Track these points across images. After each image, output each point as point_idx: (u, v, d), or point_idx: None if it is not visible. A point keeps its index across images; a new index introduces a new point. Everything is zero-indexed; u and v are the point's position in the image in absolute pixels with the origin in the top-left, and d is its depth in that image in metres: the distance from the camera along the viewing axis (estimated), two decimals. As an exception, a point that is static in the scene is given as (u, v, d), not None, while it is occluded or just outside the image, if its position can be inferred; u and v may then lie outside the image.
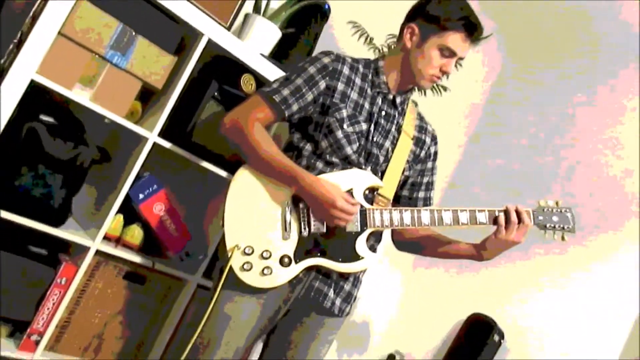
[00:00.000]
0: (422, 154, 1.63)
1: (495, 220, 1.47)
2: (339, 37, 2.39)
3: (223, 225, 1.43)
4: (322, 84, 1.47)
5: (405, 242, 1.66)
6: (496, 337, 2.62)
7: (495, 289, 2.78)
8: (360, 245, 1.45)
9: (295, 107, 1.47)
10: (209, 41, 1.76)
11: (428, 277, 3.07)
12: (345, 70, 1.50)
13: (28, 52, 1.47)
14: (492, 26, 2.97)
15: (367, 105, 1.51)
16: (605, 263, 2.51)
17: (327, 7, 2.19)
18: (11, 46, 1.55)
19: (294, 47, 2.12)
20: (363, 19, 2.31)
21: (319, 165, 1.47)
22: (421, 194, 1.66)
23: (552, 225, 1.51)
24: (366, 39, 2.30)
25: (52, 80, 1.54)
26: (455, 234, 1.58)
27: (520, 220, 1.46)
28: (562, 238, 1.51)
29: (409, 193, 1.65)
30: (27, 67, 1.47)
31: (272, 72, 1.93)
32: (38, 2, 1.55)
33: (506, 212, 1.47)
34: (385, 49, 2.32)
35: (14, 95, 1.47)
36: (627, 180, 2.59)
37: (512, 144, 3.06)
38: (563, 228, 1.51)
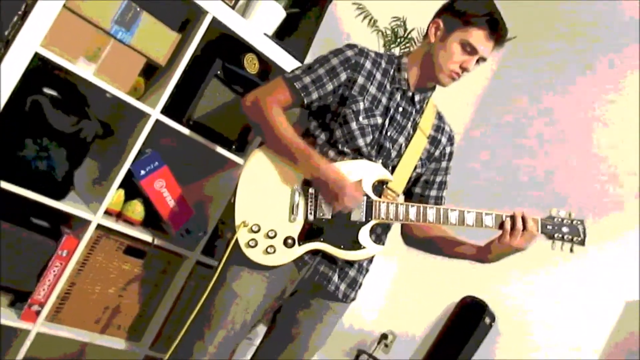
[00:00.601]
0: (437, 153, 1.64)
1: (501, 225, 1.45)
2: (343, 18, 2.39)
3: (234, 201, 1.48)
4: (343, 76, 1.51)
5: (413, 238, 1.66)
6: (487, 320, 2.67)
7: (488, 272, 2.79)
8: (363, 235, 1.47)
9: (314, 96, 1.51)
10: (213, 19, 1.75)
11: (422, 259, 3.08)
12: (367, 65, 1.53)
13: (32, 25, 1.46)
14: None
15: (384, 100, 1.54)
16: (595, 246, 2.55)
17: (332, -13, 2.18)
18: (15, 18, 1.54)
19: (299, 27, 2.12)
20: (368, 1, 2.31)
21: (331, 154, 1.51)
22: (433, 192, 1.66)
23: (561, 235, 1.47)
24: (370, 20, 2.30)
25: (56, 53, 1.54)
26: (457, 230, 1.58)
27: (525, 227, 1.43)
28: (571, 250, 1.47)
29: (422, 190, 1.66)
30: (31, 40, 1.47)
31: (276, 52, 1.94)
32: (43, -26, 1.54)
33: (512, 218, 1.44)
34: (389, 32, 2.32)
35: (18, 68, 1.47)
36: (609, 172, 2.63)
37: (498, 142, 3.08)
38: (572, 240, 1.47)
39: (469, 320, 2.69)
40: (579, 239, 1.47)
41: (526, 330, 2.62)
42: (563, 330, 2.52)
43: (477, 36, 1.47)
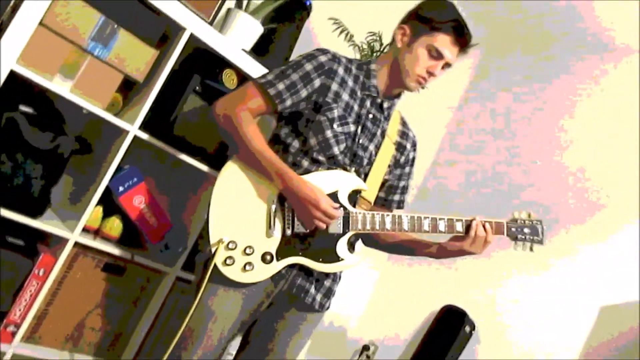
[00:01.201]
0: (402, 159, 1.67)
1: (467, 230, 1.52)
2: (320, 33, 2.42)
3: (208, 218, 1.44)
4: (317, 82, 1.49)
5: (378, 243, 1.69)
6: (467, 328, 2.70)
7: (467, 282, 2.87)
8: (341, 247, 1.48)
9: (288, 102, 1.48)
10: (191, 35, 1.77)
11: (402, 270, 3.14)
12: (340, 71, 1.52)
13: (8, 42, 1.46)
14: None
15: (356, 107, 1.54)
16: (569, 254, 2.62)
17: (308, 3, 2.21)
18: (-9, 35, 1.53)
19: (275, 43, 2.14)
20: (344, 16, 2.34)
21: (305, 163, 1.49)
22: (396, 197, 1.70)
23: (523, 236, 1.57)
24: (346, 35, 2.33)
25: (32, 70, 1.53)
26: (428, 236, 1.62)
27: (485, 233, 1.51)
28: (531, 249, 1.57)
29: (385, 195, 1.69)
30: (6, 58, 1.46)
31: (254, 67, 1.95)
32: (19, -9, 1.54)
33: (476, 224, 1.51)
34: (365, 46, 2.36)
35: (-7, 85, 1.46)
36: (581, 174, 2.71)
37: (483, 146, 3.15)
38: (532, 239, 1.57)
39: (449, 329, 2.71)
40: (538, 238, 1.57)
41: (506, 337, 2.66)
42: (541, 337, 2.57)
43: (443, 41, 1.50)
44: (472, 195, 3.01)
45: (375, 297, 3.22)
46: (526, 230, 1.57)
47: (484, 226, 1.51)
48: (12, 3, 1.53)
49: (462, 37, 1.51)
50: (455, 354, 2.71)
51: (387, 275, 3.21)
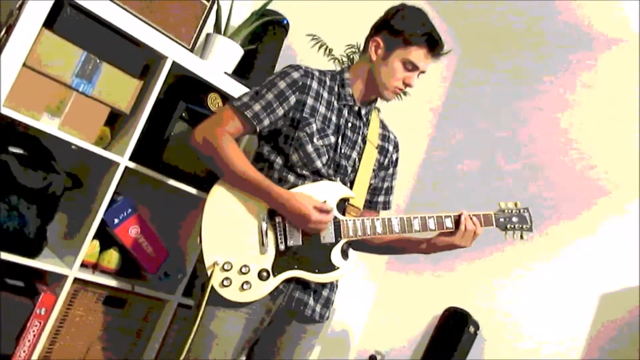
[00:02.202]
0: (386, 161, 1.71)
1: (456, 225, 1.56)
2: (299, 50, 2.46)
3: (201, 241, 1.45)
4: (292, 99, 1.52)
5: (369, 246, 1.71)
6: (472, 329, 2.71)
7: (467, 283, 2.89)
8: (336, 255, 1.50)
9: (266, 122, 1.50)
10: (173, 63, 1.79)
11: (400, 277, 3.15)
12: (314, 85, 1.55)
13: (-7, 86, 1.47)
14: (448, 30, 3.10)
15: (334, 118, 1.57)
16: (568, 247, 2.65)
17: (285, 21, 2.25)
18: (-25, 81, 1.54)
19: (257, 63, 2.18)
20: (321, 31, 2.38)
21: (291, 178, 1.51)
22: (381, 198, 1.74)
23: (512, 225, 1.62)
24: (325, 49, 2.37)
25: (19, 112, 1.54)
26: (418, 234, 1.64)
27: (473, 227, 1.55)
28: (521, 237, 1.62)
29: (370, 197, 1.72)
30: (-7, 101, 1.48)
31: (237, 90, 1.98)
32: (0, 35, 1.55)
33: (462, 218, 1.55)
34: (345, 59, 2.39)
35: (-19, 130, 1.47)
36: (584, 168, 2.75)
37: (471, 144, 3.19)
38: (522, 228, 1.62)
39: (453, 331, 2.72)
40: (527, 226, 1.63)
41: (511, 333, 2.68)
42: (545, 328, 2.59)
43: (417, 55, 1.54)
44: (467, 190, 3.05)
45: (377, 307, 3.23)
46: (514, 219, 1.61)
47: (472, 219, 1.55)
48: (-6, 47, 1.55)
49: (435, 49, 1.56)
50: (462, 356, 2.72)
51: (386, 284, 3.22)
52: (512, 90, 3.13)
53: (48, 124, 1.62)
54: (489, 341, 2.73)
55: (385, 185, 1.74)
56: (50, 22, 1.56)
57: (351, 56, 2.39)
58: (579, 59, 2.93)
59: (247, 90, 1.97)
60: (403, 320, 3.06)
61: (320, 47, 2.36)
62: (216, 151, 1.46)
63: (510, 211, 1.62)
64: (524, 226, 1.62)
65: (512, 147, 3.01)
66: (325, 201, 1.48)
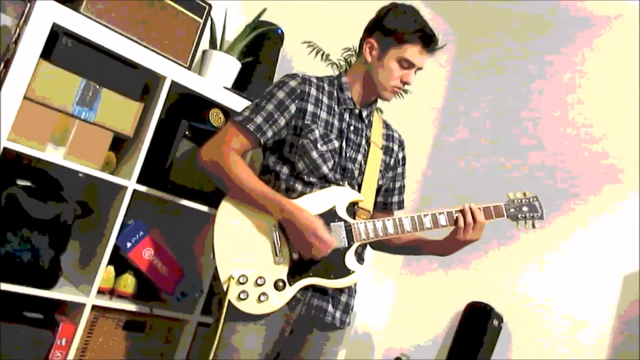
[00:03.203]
0: (392, 161, 1.70)
1: (455, 222, 1.54)
2: (297, 58, 2.46)
3: (214, 257, 1.45)
4: (293, 107, 1.51)
5: (387, 246, 1.70)
6: (495, 322, 2.68)
7: (486, 275, 2.85)
8: (350, 259, 1.48)
9: (270, 133, 1.50)
10: (172, 82, 1.80)
11: (418, 275, 3.13)
12: (313, 91, 1.55)
13: (-4, 121, 1.48)
14: (444, 25, 3.10)
15: (336, 123, 1.56)
16: (586, 229, 2.61)
17: (280, 31, 2.25)
18: (-22, 118, 1.55)
19: (255, 75, 2.18)
20: (317, 38, 2.38)
21: (298, 187, 1.51)
22: (395, 199, 1.74)
23: (523, 215, 1.60)
24: (322, 55, 2.37)
25: (23, 144, 1.55)
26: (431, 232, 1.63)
27: (475, 220, 1.53)
28: (533, 226, 1.60)
29: (384, 199, 1.72)
30: (-3, 136, 1.48)
31: (238, 103, 1.98)
32: (0, 70, 1.56)
33: (462, 212, 1.53)
34: (343, 63, 2.39)
35: (-12, 166, 1.47)
36: (598, 147, 2.72)
37: (477, 139, 3.17)
38: (533, 216, 1.60)
39: (477, 326, 2.69)
40: (538, 214, 1.61)
41: (537, 323, 2.63)
42: (570, 313, 2.54)
43: (412, 52, 1.53)
44: (478, 184, 3.02)
45: (397, 307, 3.20)
46: (524, 208, 1.60)
47: (472, 211, 1.53)
48: (-6, 83, 1.56)
49: (430, 44, 1.55)
50: (489, 350, 2.68)
51: (404, 283, 3.20)
52: (514, 79, 3.11)
53: (53, 154, 1.62)
54: (515, 332, 2.69)
55: (397, 184, 1.74)
56: (47, 53, 1.57)
57: (348, 59, 2.39)
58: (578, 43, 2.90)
59: (248, 103, 1.98)
60: (425, 318, 3.03)
61: (317, 54, 2.36)
62: (223, 170, 1.46)
63: (519, 201, 1.60)
64: (535, 215, 1.60)
65: (520, 135, 2.99)
66: (333, 207, 1.48)
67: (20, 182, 1.58)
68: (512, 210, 1.59)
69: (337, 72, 2.40)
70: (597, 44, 2.85)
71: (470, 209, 1.53)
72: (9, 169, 1.59)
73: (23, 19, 1.57)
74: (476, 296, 2.79)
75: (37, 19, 1.51)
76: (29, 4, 1.56)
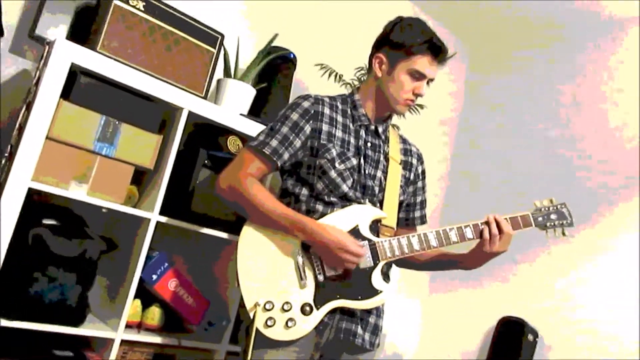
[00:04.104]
0: (412, 176, 1.68)
1: (480, 234, 1.50)
2: (310, 80, 2.47)
3: (239, 285, 1.43)
4: (307, 128, 1.51)
5: (413, 264, 1.68)
6: (530, 337, 2.59)
7: (515, 289, 2.78)
8: (376, 279, 1.46)
9: (286, 156, 1.50)
10: (189, 112, 1.81)
11: (445, 294, 3.06)
12: (326, 111, 1.55)
13: (20, 163, 1.50)
14: (452, 37, 3.09)
15: (352, 140, 1.55)
16: (615, 239, 2.53)
17: (292, 55, 2.27)
18: (3, 161, 1.58)
19: (270, 100, 2.19)
20: (329, 59, 2.39)
21: (319, 207, 1.49)
22: (417, 213, 1.72)
23: (552, 223, 1.56)
24: (336, 76, 2.37)
25: (47, 183, 1.57)
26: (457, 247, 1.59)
27: (500, 230, 1.49)
28: (563, 233, 1.56)
29: (405, 214, 1.70)
30: (22, 177, 1.51)
31: (255, 129, 1.98)
32: (22, 113, 1.60)
33: (487, 224, 1.50)
34: (356, 82, 2.39)
35: (14, 207, 1.50)
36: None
37: (493, 148, 3.13)
38: (562, 224, 1.56)
39: (511, 341, 2.61)
40: (568, 221, 1.57)
41: (573, 334, 2.54)
42: (607, 323, 2.45)
43: (422, 63, 1.52)
44: (501, 195, 2.97)
45: (426, 326, 3.14)
46: (553, 216, 1.56)
47: (497, 222, 1.49)
48: (17, 126, 1.59)
49: (439, 54, 1.54)
50: (525, 366, 2.60)
51: (432, 301, 3.14)
52: (528, 88, 3.08)
53: (77, 191, 1.64)
54: (553, 346, 2.60)
55: (418, 199, 1.71)
56: (66, 93, 1.60)
57: (362, 78, 2.39)
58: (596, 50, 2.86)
59: (264, 127, 1.99)
60: (456, 336, 2.95)
61: (330, 75, 2.37)
62: (242, 195, 1.46)
63: (547, 209, 1.57)
64: (565, 222, 1.56)
65: (540, 142, 2.94)
66: (356, 226, 1.47)
67: (46, 221, 1.60)
68: (539, 218, 1.56)
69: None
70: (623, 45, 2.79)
71: (496, 219, 1.50)
72: (35, 209, 1.61)
73: (42, 61, 1.60)
74: (507, 311, 2.72)
75: (56, 60, 1.55)
76: (47, 47, 1.60)
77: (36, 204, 1.63)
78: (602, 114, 2.75)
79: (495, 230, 1.49)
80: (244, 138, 2.01)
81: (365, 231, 1.48)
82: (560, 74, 2.96)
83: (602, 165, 2.66)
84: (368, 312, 1.53)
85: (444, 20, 3.06)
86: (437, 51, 1.53)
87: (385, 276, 1.54)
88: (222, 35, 1.98)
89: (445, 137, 3.34)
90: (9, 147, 1.58)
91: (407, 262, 1.65)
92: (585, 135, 2.78)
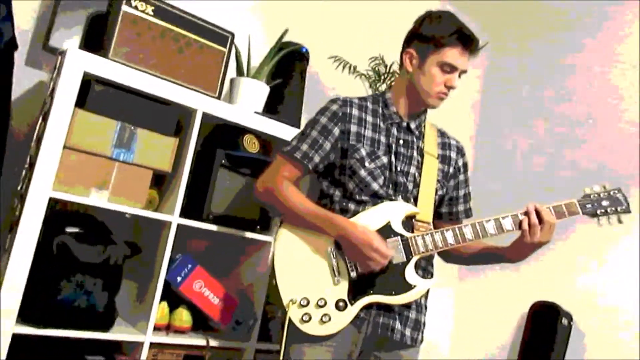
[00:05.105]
0: (451, 170, 1.65)
1: (519, 225, 1.46)
2: (324, 73, 2.45)
3: (276, 283, 1.47)
4: (336, 130, 1.53)
5: (456, 257, 1.66)
6: (564, 321, 2.53)
7: (546, 274, 2.71)
8: (410, 274, 1.45)
9: (317, 159, 1.52)
10: (204, 114, 1.81)
11: (475, 282, 3.01)
12: (355, 112, 1.56)
13: (40, 173, 1.53)
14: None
15: (383, 139, 1.55)
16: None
17: (304, 49, 2.25)
18: (24, 172, 1.61)
19: (285, 96, 2.18)
20: (342, 51, 2.37)
21: (351, 206, 1.51)
22: (461, 207, 1.69)
23: (604, 210, 1.47)
24: (350, 68, 2.34)
25: (68, 192, 1.59)
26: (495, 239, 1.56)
27: (540, 220, 1.43)
28: (619, 221, 1.48)
29: (449, 209, 1.68)
30: (42, 188, 1.53)
31: (271, 127, 1.98)
32: (39, 124, 1.62)
33: (527, 214, 1.45)
34: (371, 73, 2.36)
35: (37, 218, 1.52)
36: None
37: (520, 134, 3.06)
38: (616, 210, 1.48)
39: (545, 326, 2.55)
40: (623, 207, 1.48)
41: (609, 316, 2.47)
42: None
43: (452, 54, 1.51)
44: (536, 182, 2.89)
45: (458, 317, 3.09)
46: (604, 202, 1.48)
47: (538, 211, 1.44)
48: (34, 137, 1.61)
49: (469, 45, 1.52)
50: (561, 351, 2.53)
51: (463, 291, 3.08)
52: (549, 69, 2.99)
53: (98, 198, 1.66)
54: (588, 330, 2.53)
55: (461, 192, 1.69)
56: (81, 101, 1.62)
57: (376, 68, 2.36)
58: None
59: (280, 125, 1.98)
60: (489, 325, 2.90)
61: (344, 67, 2.34)
62: (277, 197, 1.50)
63: (597, 195, 1.48)
64: (619, 208, 1.47)
65: (570, 124, 2.85)
66: (388, 222, 1.47)
67: (69, 229, 1.62)
68: (588, 206, 1.47)
69: (367, 83, 2.39)
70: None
71: (536, 209, 1.44)
72: (57, 217, 1.64)
73: (56, 71, 1.62)
74: (539, 296, 2.65)
75: (68, 70, 1.56)
76: (59, 57, 1.62)
77: (59, 213, 1.66)
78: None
79: (535, 220, 1.43)
80: (260, 136, 2.00)
81: (398, 227, 1.47)
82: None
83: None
84: (407, 307, 1.52)
85: (464, 8, 3.00)
86: (467, 42, 1.51)
87: (425, 271, 1.54)
88: (233, 34, 1.97)
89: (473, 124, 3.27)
90: (28, 158, 1.60)
91: (454, 257, 1.64)
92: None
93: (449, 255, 1.65)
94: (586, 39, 2.85)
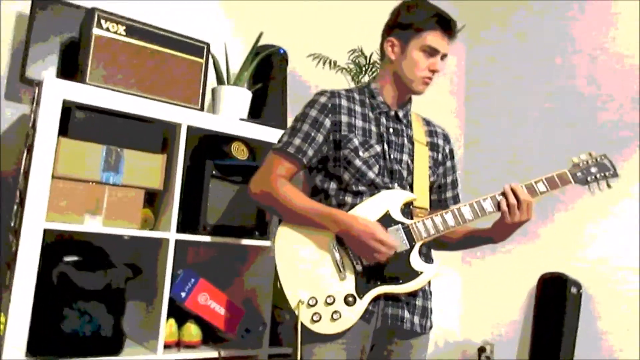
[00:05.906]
0: (440, 156, 1.66)
1: (498, 207, 1.47)
2: (305, 72, 2.44)
3: (280, 286, 1.46)
4: (327, 122, 1.52)
5: (447, 244, 1.66)
6: (573, 289, 2.53)
7: (552, 244, 2.72)
8: (415, 260, 1.45)
9: (311, 152, 1.51)
10: (189, 127, 1.81)
11: (481, 259, 3.01)
12: (344, 103, 1.55)
13: (31, 206, 1.52)
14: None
15: (374, 128, 1.55)
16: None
17: (282, 51, 2.24)
18: (15, 207, 1.61)
19: (268, 99, 2.17)
20: (320, 48, 2.36)
21: (348, 199, 1.50)
22: (449, 194, 1.70)
23: (594, 177, 1.51)
24: (330, 63, 2.34)
25: (62, 221, 1.59)
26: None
27: (518, 199, 1.45)
28: (608, 186, 1.52)
29: (438, 196, 1.68)
30: (35, 220, 1.52)
31: (257, 132, 1.97)
32: (24, 157, 1.62)
33: (504, 195, 1.47)
34: (352, 66, 2.35)
35: (33, 251, 1.52)
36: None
37: (506, 112, 3.06)
38: (605, 176, 1.52)
39: (555, 297, 2.55)
40: (610, 172, 1.52)
41: (618, 281, 2.47)
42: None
43: (433, 38, 1.52)
44: (524, 160, 2.90)
45: (466, 298, 3.10)
46: (593, 169, 1.51)
47: (514, 191, 1.46)
48: (22, 172, 1.61)
49: (448, 28, 1.54)
50: (574, 319, 2.53)
51: (469, 271, 3.09)
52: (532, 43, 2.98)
53: (92, 224, 1.66)
54: (597, 297, 2.53)
55: (449, 179, 1.70)
56: (64, 130, 1.61)
57: (356, 60, 2.35)
58: None
59: (266, 129, 1.98)
60: (498, 303, 2.91)
61: (324, 63, 2.33)
62: (273, 197, 1.49)
63: (586, 163, 1.52)
64: (607, 173, 1.51)
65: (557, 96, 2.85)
66: (387, 211, 1.46)
67: (67, 258, 1.62)
68: (579, 174, 1.51)
69: (349, 77, 2.38)
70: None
71: (512, 188, 1.46)
72: (54, 248, 1.64)
73: (35, 103, 1.62)
74: (545, 268, 2.66)
75: (47, 99, 1.56)
76: (37, 87, 1.62)
77: (55, 243, 1.65)
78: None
79: (513, 200, 1.45)
80: (247, 142, 2.00)
81: (397, 215, 1.47)
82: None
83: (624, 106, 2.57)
84: (413, 295, 1.51)
85: None
86: (445, 25, 1.53)
87: (427, 257, 1.53)
88: (208, 44, 1.96)
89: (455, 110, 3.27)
90: (18, 192, 1.60)
91: (441, 244, 1.64)
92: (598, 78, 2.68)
93: (438, 242, 1.62)
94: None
